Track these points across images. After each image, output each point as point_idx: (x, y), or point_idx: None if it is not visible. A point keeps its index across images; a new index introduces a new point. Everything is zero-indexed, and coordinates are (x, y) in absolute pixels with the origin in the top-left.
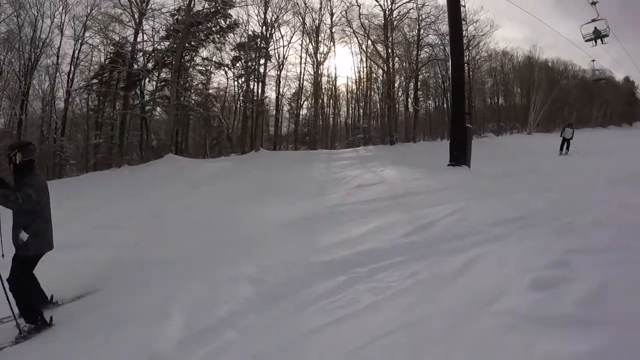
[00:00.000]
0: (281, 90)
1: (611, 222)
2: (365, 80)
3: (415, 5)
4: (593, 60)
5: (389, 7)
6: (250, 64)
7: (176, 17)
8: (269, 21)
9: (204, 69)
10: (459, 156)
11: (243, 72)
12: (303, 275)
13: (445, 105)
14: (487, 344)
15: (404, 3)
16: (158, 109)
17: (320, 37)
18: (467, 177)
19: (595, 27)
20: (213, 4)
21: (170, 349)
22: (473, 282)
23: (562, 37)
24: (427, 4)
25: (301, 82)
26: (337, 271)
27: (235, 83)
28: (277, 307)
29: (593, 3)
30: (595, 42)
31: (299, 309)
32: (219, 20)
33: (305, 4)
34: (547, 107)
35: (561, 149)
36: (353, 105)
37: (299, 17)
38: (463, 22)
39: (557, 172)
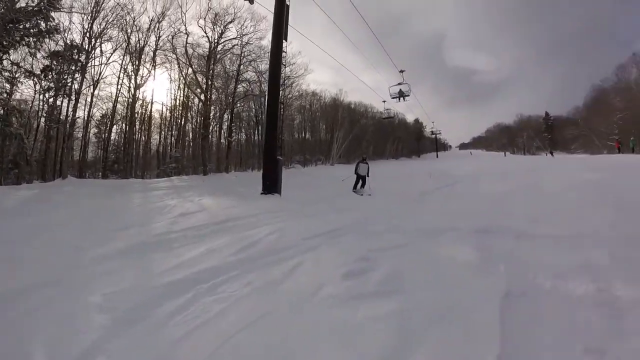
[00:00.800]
0: (92, 111)
1: (398, 229)
2: (181, 108)
3: (240, 42)
4: (384, 101)
5: (216, 40)
6: (62, 77)
7: None
8: (93, 33)
9: (10, 75)
10: (271, 185)
11: (52, 85)
12: (150, 297)
13: (255, 138)
14: (319, 319)
15: (230, 39)
16: None
17: (142, 59)
18: (280, 203)
19: (400, 89)
20: (37, 1)
21: None
22: (299, 281)
23: (364, 84)
24: (250, 42)
25: (115, 104)
26: (182, 290)
27: (41, 97)
28: (137, 328)
29: (401, 71)
30: (399, 99)
31: (159, 326)
32: (39, 21)
33: (134, 21)
34: (348, 142)
35: (355, 186)
36: (166, 133)
37: (125, 34)
38: (282, 66)
39: (355, 195)
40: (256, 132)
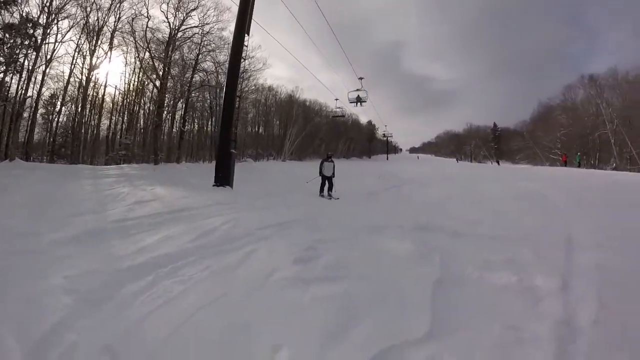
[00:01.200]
0: (42, 90)
1: (345, 224)
2: (134, 94)
3: (201, 31)
4: (337, 99)
5: (177, 26)
6: (14, 51)
7: None
8: (52, 8)
9: None
10: (224, 178)
11: (3, 59)
12: (113, 280)
13: (208, 129)
14: (273, 299)
15: (191, 27)
16: None
17: (99, 40)
18: (232, 195)
19: (358, 95)
20: None
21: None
22: (253, 266)
23: (321, 83)
24: (212, 32)
25: (67, 85)
26: (143, 273)
27: None
28: (102, 308)
29: (360, 78)
30: (357, 104)
31: (124, 305)
32: None
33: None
34: (301, 139)
35: (322, 189)
36: (116, 119)
37: (85, 12)
38: (242, 60)
39: (305, 191)
40: (209, 124)
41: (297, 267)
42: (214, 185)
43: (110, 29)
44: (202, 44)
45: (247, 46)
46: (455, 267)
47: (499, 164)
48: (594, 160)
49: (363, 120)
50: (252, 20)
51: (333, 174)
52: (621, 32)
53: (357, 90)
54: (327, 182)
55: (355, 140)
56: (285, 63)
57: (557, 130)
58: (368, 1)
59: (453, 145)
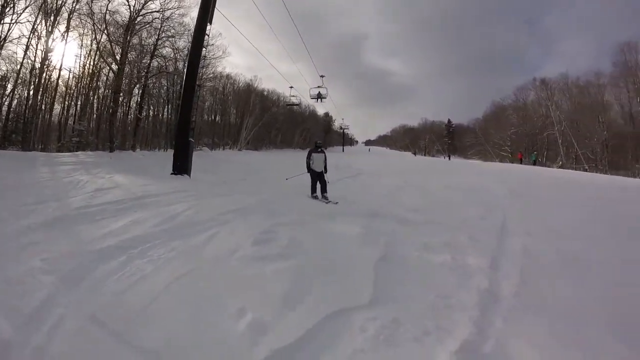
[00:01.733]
0: None
1: (299, 210)
2: (89, 78)
3: (161, 16)
4: (291, 87)
5: (138, 9)
6: None
7: None
8: None
9: None
10: (182, 166)
11: None
12: (87, 261)
13: (164, 117)
14: (236, 273)
15: (152, 11)
16: None
17: (56, 21)
18: (191, 183)
19: (319, 92)
20: None
21: (9, 336)
22: (217, 246)
23: (279, 73)
24: (172, 17)
25: (20, 67)
26: (115, 254)
27: None
28: (83, 284)
29: (322, 76)
30: (317, 100)
31: (103, 283)
32: None
33: None
34: (258, 129)
35: (314, 189)
36: (69, 104)
37: None
38: (203, 48)
39: (263, 180)
40: (165, 111)
41: (256, 247)
42: (172, 174)
43: (67, 9)
44: (162, 29)
45: (208, 35)
46: (399, 248)
47: (449, 158)
48: (542, 159)
49: (320, 111)
50: (215, 9)
51: (325, 168)
52: (575, 40)
53: (319, 87)
54: (319, 182)
55: (312, 131)
56: (244, 50)
57: (508, 129)
58: None
59: (408, 139)
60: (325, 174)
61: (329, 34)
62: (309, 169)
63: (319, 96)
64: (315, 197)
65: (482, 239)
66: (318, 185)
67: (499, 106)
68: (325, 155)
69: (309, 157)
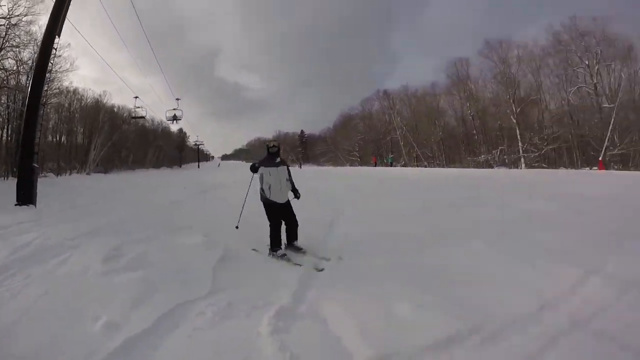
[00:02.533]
0: None
1: (147, 227)
2: None
3: (7, 23)
4: (136, 97)
5: None
6: None
7: None
8: None
9: None
10: (26, 195)
11: None
12: None
13: (4, 138)
14: (89, 286)
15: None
16: None
17: None
18: (38, 213)
19: (175, 114)
20: None
21: None
22: (70, 267)
23: (128, 88)
24: (19, 25)
25: None
26: None
27: None
28: None
29: (177, 99)
30: (173, 121)
31: None
32: None
33: None
34: (107, 149)
35: (275, 241)
36: None
37: None
38: (50, 63)
39: (110, 203)
40: (4, 132)
41: (108, 263)
42: (16, 205)
43: None
44: (7, 37)
45: (56, 48)
46: (235, 248)
47: (300, 167)
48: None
49: (174, 128)
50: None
51: (295, 191)
52: (414, 56)
53: (174, 109)
54: (284, 221)
55: (165, 149)
56: (93, 61)
57: (356, 136)
58: (185, 7)
59: (263, 151)
60: (290, 209)
61: (184, 49)
62: (266, 201)
63: (175, 118)
64: (284, 256)
65: (314, 232)
66: (283, 229)
67: (347, 116)
68: (288, 169)
69: (261, 179)
